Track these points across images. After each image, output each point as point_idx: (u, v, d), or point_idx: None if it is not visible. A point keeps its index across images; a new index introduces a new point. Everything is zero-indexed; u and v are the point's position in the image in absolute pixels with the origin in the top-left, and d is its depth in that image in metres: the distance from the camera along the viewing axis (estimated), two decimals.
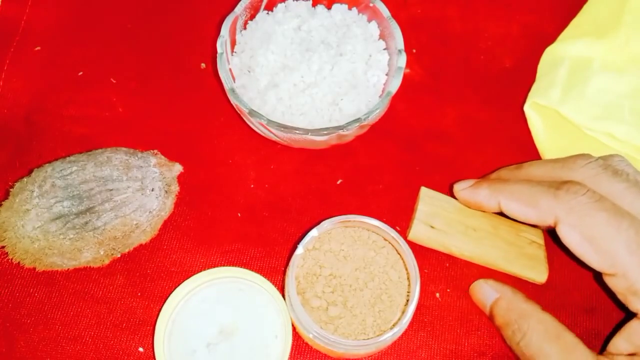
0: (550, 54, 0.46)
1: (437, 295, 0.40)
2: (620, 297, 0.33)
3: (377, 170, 0.43)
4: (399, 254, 0.37)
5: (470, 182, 0.39)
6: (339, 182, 0.43)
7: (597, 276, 0.36)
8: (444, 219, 0.39)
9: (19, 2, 0.49)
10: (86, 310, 0.39)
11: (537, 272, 0.39)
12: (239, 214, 0.42)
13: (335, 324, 0.35)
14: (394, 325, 0.35)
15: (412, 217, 0.41)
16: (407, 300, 0.36)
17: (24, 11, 0.48)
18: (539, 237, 0.40)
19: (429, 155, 0.44)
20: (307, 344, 0.38)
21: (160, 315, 0.37)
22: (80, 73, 0.46)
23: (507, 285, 0.38)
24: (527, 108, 0.44)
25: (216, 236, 0.41)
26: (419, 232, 0.39)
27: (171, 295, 0.37)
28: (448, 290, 0.40)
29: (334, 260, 0.37)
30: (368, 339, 0.34)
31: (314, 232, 0.36)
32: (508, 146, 0.44)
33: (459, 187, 0.39)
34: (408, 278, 0.36)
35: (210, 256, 0.40)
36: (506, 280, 0.39)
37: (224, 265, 0.39)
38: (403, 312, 0.35)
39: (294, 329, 0.36)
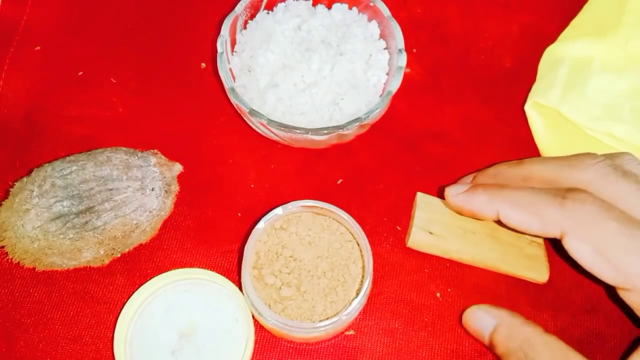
0: (550, 54, 0.46)
1: (438, 295, 0.40)
2: (636, 312, 0.31)
3: (377, 170, 0.43)
4: (361, 250, 0.37)
5: (464, 186, 0.36)
6: (339, 181, 0.43)
7: (609, 290, 0.34)
8: (442, 224, 0.39)
9: (19, 2, 0.49)
10: (86, 310, 0.39)
11: (538, 272, 0.39)
12: (239, 214, 0.42)
13: (284, 304, 0.35)
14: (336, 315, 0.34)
15: (410, 224, 0.41)
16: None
17: (24, 11, 0.48)
18: (538, 238, 0.40)
19: (429, 155, 0.44)
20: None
21: (115, 339, 0.37)
22: (80, 73, 0.46)
23: (503, 310, 0.35)
24: (528, 108, 0.44)
25: (216, 236, 0.41)
26: (418, 239, 0.39)
27: (120, 318, 0.37)
28: (449, 290, 0.40)
29: (297, 244, 0.37)
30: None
31: (278, 210, 0.36)
32: (508, 146, 0.44)
33: (452, 192, 0.36)
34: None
35: (210, 256, 0.40)
36: (508, 281, 0.38)
37: (200, 268, 0.40)
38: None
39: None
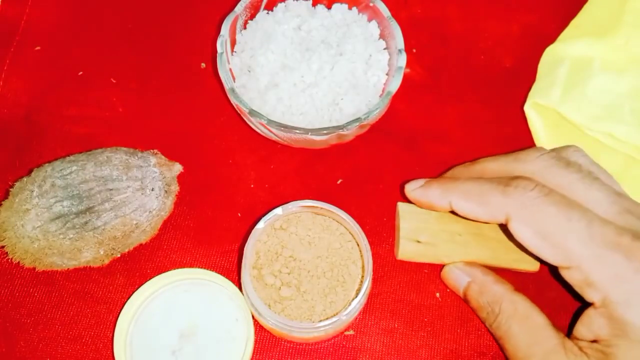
0: (550, 54, 0.46)
1: (437, 295, 0.40)
2: (576, 289, 0.33)
3: (377, 170, 0.43)
4: (360, 251, 0.37)
5: (421, 181, 0.39)
6: (339, 182, 0.43)
7: (553, 270, 0.36)
8: (428, 231, 0.39)
9: (19, 2, 0.49)
10: (86, 310, 0.39)
11: (528, 263, 0.38)
12: (239, 214, 0.42)
13: (284, 304, 0.35)
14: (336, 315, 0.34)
15: (395, 236, 0.41)
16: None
17: (24, 11, 0.48)
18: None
19: (429, 155, 0.44)
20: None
21: (115, 339, 0.37)
22: (80, 73, 0.46)
23: (477, 268, 0.38)
24: (528, 108, 0.44)
25: (216, 236, 0.41)
26: (407, 250, 0.38)
27: (120, 318, 0.37)
28: (448, 290, 0.40)
29: (297, 244, 0.37)
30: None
31: (278, 210, 0.36)
32: (508, 146, 0.44)
33: (410, 188, 0.39)
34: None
35: (210, 256, 0.40)
36: (502, 275, 0.38)
37: (201, 268, 0.40)
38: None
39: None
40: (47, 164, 0.39)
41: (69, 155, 0.40)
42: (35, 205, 0.37)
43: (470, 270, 0.38)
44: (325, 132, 0.38)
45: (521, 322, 0.34)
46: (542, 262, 0.34)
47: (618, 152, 0.42)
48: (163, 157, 0.42)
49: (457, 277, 0.38)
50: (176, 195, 0.42)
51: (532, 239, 0.33)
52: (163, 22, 0.49)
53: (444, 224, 0.39)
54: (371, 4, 0.43)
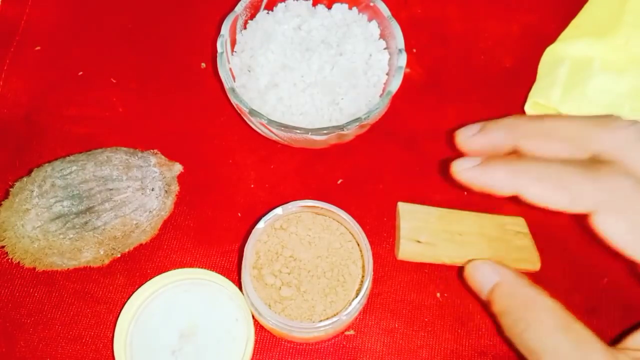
0: (550, 54, 0.46)
1: (438, 295, 0.40)
2: None
3: (377, 170, 0.43)
4: (361, 250, 0.37)
5: (476, 159, 0.32)
6: (339, 181, 0.43)
7: (633, 270, 0.32)
8: (428, 231, 0.39)
9: (19, 2, 0.49)
10: (86, 310, 0.39)
11: (530, 262, 0.38)
12: (239, 214, 0.42)
13: (284, 304, 0.35)
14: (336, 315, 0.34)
15: (396, 236, 0.41)
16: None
17: (24, 11, 0.48)
18: (523, 227, 0.39)
19: (429, 155, 0.44)
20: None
21: (115, 339, 0.37)
22: (80, 73, 0.46)
23: (508, 268, 0.33)
24: (528, 108, 0.44)
25: (216, 236, 0.41)
26: (408, 250, 0.38)
27: (120, 318, 0.37)
28: (448, 290, 0.40)
29: (297, 243, 0.37)
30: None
31: (278, 210, 0.36)
32: None
33: (463, 166, 0.32)
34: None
35: (210, 256, 0.40)
36: None
37: (200, 268, 0.40)
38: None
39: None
40: (47, 164, 0.39)
41: (69, 155, 0.40)
42: (35, 205, 0.37)
43: (501, 269, 0.33)
44: (325, 132, 0.38)
45: (563, 333, 0.29)
46: (620, 258, 0.30)
47: None
48: (163, 157, 0.42)
49: (484, 275, 0.33)
50: (176, 195, 0.42)
51: (624, 234, 0.28)
52: (163, 22, 0.49)
53: (444, 224, 0.39)
54: (371, 4, 0.43)
